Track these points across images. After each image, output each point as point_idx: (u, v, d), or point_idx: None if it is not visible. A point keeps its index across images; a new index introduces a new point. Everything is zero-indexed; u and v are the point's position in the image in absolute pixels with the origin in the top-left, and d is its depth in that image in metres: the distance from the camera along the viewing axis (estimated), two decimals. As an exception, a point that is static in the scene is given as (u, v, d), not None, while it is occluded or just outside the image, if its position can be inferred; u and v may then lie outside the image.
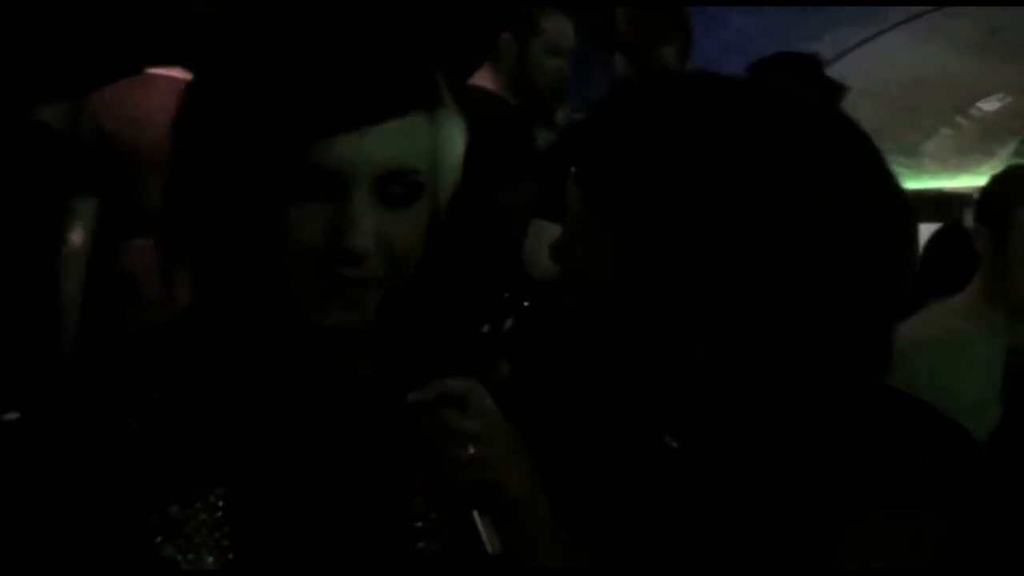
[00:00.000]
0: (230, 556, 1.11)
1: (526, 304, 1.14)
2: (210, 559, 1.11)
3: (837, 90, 3.54)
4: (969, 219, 4.07)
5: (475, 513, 1.07)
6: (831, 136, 1.14)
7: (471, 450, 1.06)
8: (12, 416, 1.15)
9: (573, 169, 1.18)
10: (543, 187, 2.90)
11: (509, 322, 1.14)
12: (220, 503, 1.12)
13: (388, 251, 1.09)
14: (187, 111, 1.10)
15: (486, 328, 1.13)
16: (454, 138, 1.15)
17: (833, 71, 3.79)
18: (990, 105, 6.57)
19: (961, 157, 6.72)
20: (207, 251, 1.11)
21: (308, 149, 1.04)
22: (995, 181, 2.56)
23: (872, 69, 4.87)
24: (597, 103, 1.20)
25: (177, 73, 3.23)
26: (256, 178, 1.06)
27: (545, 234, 2.91)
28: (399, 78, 1.09)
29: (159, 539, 1.10)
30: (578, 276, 1.17)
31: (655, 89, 1.17)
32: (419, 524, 1.15)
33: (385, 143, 1.07)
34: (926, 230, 4.84)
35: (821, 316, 1.12)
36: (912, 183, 6.76)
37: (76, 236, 3.48)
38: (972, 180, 6.05)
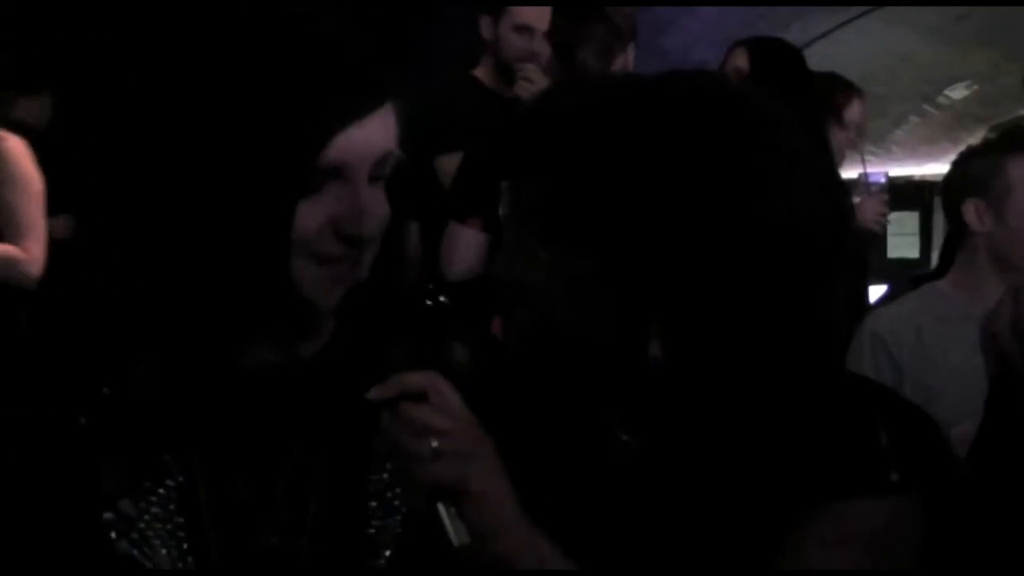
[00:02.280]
0: (185, 547, 1.11)
1: (442, 300, 1.15)
2: (164, 552, 1.11)
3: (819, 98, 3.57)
4: (938, 207, 4.10)
5: (440, 506, 1.06)
6: (760, 128, 1.14)
7: (433, 443, 1.06)
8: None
9: (503, 184, 1.19)
10: (461, 191, 2.94)
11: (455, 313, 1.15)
12: (172, 495, 1.12)
13: (376, 228, 1.14)
14: (203, 115, 1.11)
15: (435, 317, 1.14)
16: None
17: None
18: (958, 93, 6.60)
19: (930, 145, 6.76)
20: (202, 244, 1.11)
21: (324, 144, 1.08)
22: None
23: (840, 57, 4.88)
24: (520, 115, 1.21)
25: None
26: (270, 176, 1.08)
27: (460, 237, 2.93)
28: (382, 75, 1.14)
29: (113, 534, 1.10)
30: (520, 292, 1.17)
31: (576, 98, 1.17)
32: (374, 503, 1.16)
33: (380, 130, 1.13)
34: (895, 218, 4.87)
35: (764, 307, 1.12)
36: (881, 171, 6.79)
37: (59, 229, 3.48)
38: (941, 168, 6.09)
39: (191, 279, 1.12)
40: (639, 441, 1.20)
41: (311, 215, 1.10)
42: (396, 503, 1.16)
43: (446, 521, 1.06)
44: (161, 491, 1.12)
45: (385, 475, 1.17)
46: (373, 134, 1.12)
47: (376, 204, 1.13)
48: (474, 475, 1.07)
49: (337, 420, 1.16)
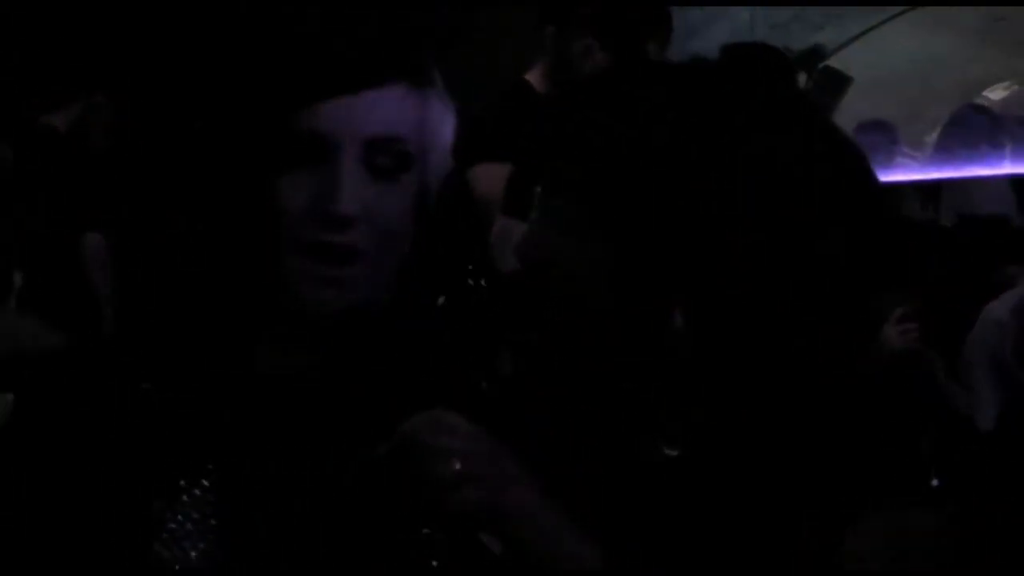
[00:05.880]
0: (215, 551, 1.10)
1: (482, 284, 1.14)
2: (194, 555, 1.10)
3: (840, 83, 3.54)
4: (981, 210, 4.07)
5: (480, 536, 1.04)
6: (807, 120, 1.12)
7: (456, 465, 1.03)
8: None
9: (553, 173, 1.15)
10: (512, 184, 2.91)
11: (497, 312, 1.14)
12: (206, 497, 1.11)
13: (375, 222, 1.09)
14: (172, 83, 1.11)
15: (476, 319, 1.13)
16: (443, 119, 1.15)
17: (836, 62, 3.78)
18: (997, 94, 6.53)
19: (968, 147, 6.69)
20: (198, 229, 1.11)
21: (296, 115, 1.05)
22: None
23: (875, 59, 4.85)
24: (566, 107, 1.18)
25: None
26: (245, 148, 1.06)
27: (514, 234, 2.89)
28: (384, 48, 1.10)
29: (144, 535, 1.09)
30: (568, 287, 1.14)
31: (630, 84, 1.15)
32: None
33: (372, 109, 1.08)
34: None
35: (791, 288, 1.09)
36: (918, 174, 6.73)
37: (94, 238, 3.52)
38: (980, 170, 6.03)
39: (196, 268, 1.11)
40: (678, 450, 1.19)
41: (293, 191, 1.07)
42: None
43: (484, 538, 1.04)
44: (196, 492, 1.10)
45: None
46: (365, 110, 1.07)
47: (372, 194, 1.08)
48: (508, 493, 1.05)
49: (369, 429, 1.13)
